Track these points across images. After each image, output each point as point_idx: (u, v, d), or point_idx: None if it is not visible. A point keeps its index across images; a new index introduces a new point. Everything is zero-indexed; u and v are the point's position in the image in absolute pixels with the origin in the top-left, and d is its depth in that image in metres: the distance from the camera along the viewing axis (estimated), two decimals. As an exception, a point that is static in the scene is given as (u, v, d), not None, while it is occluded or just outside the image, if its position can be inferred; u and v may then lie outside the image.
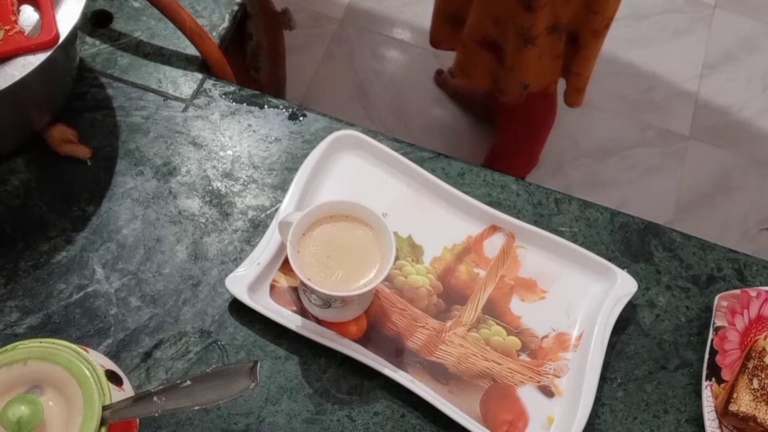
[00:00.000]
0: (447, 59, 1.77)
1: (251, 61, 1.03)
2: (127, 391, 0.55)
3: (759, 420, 0.63)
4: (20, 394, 0.49)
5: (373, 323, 0.68)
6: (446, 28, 1.37)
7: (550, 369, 0.67)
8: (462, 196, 0.73)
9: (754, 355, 0.65)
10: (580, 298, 0.70)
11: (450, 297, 0.69)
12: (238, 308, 0.67)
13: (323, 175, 0.74)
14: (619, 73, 1.80)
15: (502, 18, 1.17)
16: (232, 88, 0.79)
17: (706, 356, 0.68)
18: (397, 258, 0.70)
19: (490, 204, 0.73)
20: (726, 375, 0.66)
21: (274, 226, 0.70)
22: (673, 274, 0.73)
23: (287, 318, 0.66)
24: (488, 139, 1.68)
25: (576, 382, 0.65)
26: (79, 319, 0.66)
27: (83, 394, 0.49)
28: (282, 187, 0.74)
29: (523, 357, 0.67)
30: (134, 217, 0.71)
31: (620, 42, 1.79)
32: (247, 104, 0.78)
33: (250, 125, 0.77)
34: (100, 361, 0.53)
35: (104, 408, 0.49)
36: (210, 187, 0.73)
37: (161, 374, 0.65)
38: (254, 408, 0.64)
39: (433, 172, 0.74)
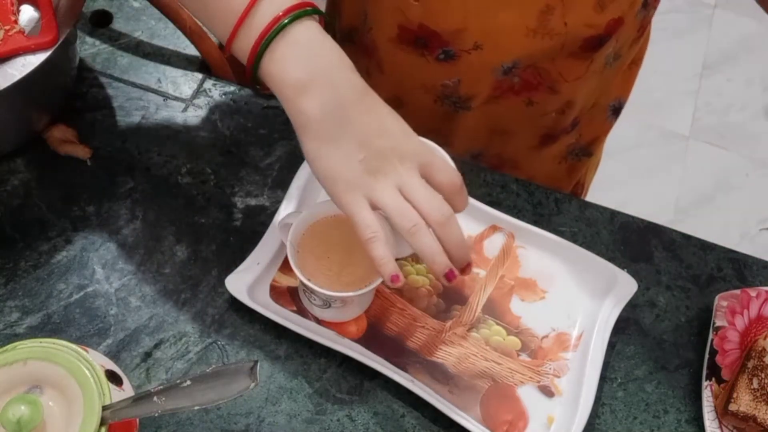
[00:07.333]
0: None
1: (251, 61, 1.03)
2: (127, 391, 0.55)
3: (759, 420, 0.63)
4: (20, 394, 0.49)
5: (373, 323, 0.68)
6: None
7: (550, 369, 0.67)
8: (462, 196, 0.72)
9: (754, 355, 0.65)
10: (580, 298, 0.70)
11: (450, 297, 0.69)
12: (238, 308, 0.67)
13: (323, 175, 0.74)
14: (619, 73, 1.80)
15: None
16: (232, 88, 0.79)
17: (706, 356, 0.68)
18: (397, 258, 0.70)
19: (490, 204, 0.73)
20: (726, 375, 0.66)
21: (274, 226, 0.70)
22: (673, 274, 0.73)
23: (287, 318, 0.66)
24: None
25: (576, 382, 0.65)
26: (79, 319, 0.66)
27: (83, 394, 0.49)
28: (282, 187, 0.74)
29: (523, 357, 0.67)
30: (134, 217, 0.71)
31: (620, 42, 1.79)
32: (247, 104, 0.78)
33: (250, 125, 0.77)
34: (100, 361, 0.53)
35: (104, 408, 0.49)
36: (210, 187, 0.73)
37: (161, 374, 0.65)
38: (254, 408, 0.64)
39: (433, 172, 0.74)
